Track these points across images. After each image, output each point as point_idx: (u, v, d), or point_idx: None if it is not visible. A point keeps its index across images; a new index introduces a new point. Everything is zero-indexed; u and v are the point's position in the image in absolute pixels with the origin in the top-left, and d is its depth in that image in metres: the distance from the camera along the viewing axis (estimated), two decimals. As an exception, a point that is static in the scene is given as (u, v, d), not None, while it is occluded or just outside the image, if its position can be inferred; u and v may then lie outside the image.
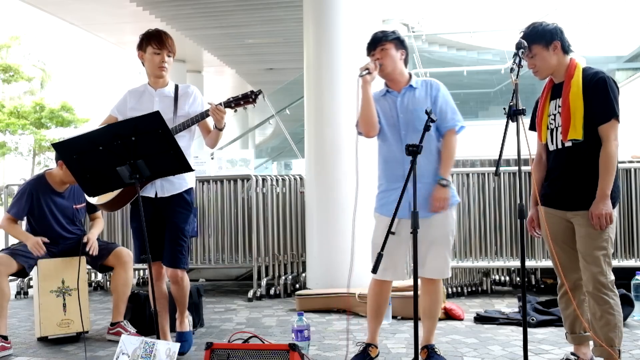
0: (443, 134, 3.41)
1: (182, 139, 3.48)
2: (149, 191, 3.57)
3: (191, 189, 3.69)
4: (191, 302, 4.00)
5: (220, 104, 3.47)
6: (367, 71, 3.28)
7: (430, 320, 3.46)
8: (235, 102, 3.49)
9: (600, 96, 2.95)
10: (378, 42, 3.39)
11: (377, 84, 3.45)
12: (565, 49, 3.08)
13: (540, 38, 3.04)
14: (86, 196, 3.80)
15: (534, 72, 3.13)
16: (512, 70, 2.88)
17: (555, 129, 3.09)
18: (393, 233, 3.12)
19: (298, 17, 6.54)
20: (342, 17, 5.38)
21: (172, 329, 3.90)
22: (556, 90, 3.11)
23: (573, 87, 2.99)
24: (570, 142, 3.01)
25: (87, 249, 4.14)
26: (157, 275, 3.65)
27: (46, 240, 4.09)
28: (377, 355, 3.49)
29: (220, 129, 3.52)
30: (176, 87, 3.71)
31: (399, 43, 3.42)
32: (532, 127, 3.25)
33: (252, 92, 3.51)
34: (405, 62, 3.47)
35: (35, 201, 4.16)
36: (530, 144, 2.81)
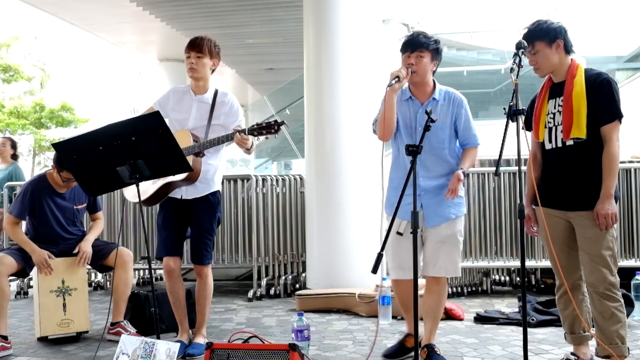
0: (464, 149, 3.47)
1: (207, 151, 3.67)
2: (175, 193, 3.74)
3: (217, 192, 3.81)
4: (191, 301, 4.01)
5: (244, 131, 3.53)
6: (397, 79, 3.23)
7: (432, 320, 3.47)
8: (258, 131, 3.56)
9: (605, 97, 2.96)
10: (417, 47, 3.34)
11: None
12: (568, 49, 3.08)
13: (544, 35, 3.04)
14: (126, 195, 3.88)
15: (534, 69, 3.13)
16: (512, 70, 2.89)
17: (554, 128, 3.08)
18: (401, 234, 3.15)
19: (298, 17, 6.54)
20: (342, 17, 5.38)
21: (176, 329, 3.96)
22: (555, 90, 3.11)
23: (576, 87, 2.99)
24: (572, 141, 3.00)
25: (78, 261, 4.14)
26: (169, 270, 3.76)
27: (52, 256, 4.09)
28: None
29: (249, 149, 3.62)
30: (215, 93, 3.80)
31: (436, 54, 3.40)
32: (527, 126, 3.24)
33: (275, 121, 3.57)
34: (434, 72, 3.46)
35: (36, 201, 4.16)
36: (529, 144, 2.82)
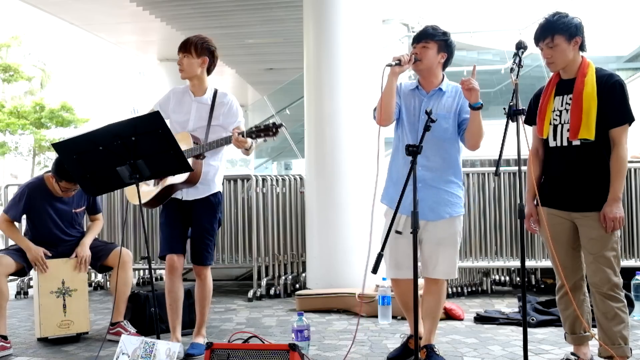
0: None
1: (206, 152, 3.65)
2: (176, 194, 3.73)
3: (217, 192, 3.79)
4: (191, 302, 4.01)
5: (242, 134, 3.52)
6: (397, 62, 3.24)
7: (431, 320, 3.47)
8: (256, 133, 3.55)
9: (617, 99, 2.94)
10: (423, 38, 3.36)
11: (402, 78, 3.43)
12: (583, 47, 3.04)
13: (565, 30, 2.98)
14: (128, 197, 3.87)
15: (547, 63, 3.05)
16: (512, 70, 2.87)
17: (560, 126, 3.05)
18: (400, 233, 3.14)
19: (298, 17, 6.54)
20: (342, 17, 5.37)
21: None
22: (563, 86, 3.07)
23: (587, 87, 2.95)
24: (579, 141, 2.98)
25: (77, 267, 4.14)
26: (170, 268, 3.74)
27: (48, 253, 4.09)
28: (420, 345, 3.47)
29: (247, 149, 3.60)
30: (215, 93, 3.78)
31: (444, 46, 3.38)
32: (529, 121, 3.20)
33: (274, 124, 3.56)
34: (444, 66, 3.44)
35: (33, 205, 4.15)
36: (529, 141, 2.80)
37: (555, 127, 3.07)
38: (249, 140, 3.53)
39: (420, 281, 3.73)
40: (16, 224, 4.29)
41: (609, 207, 2.94)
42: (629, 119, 2.96)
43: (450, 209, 3.40)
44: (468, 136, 3.32)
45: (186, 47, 3.70)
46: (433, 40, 3.35)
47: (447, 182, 3.39)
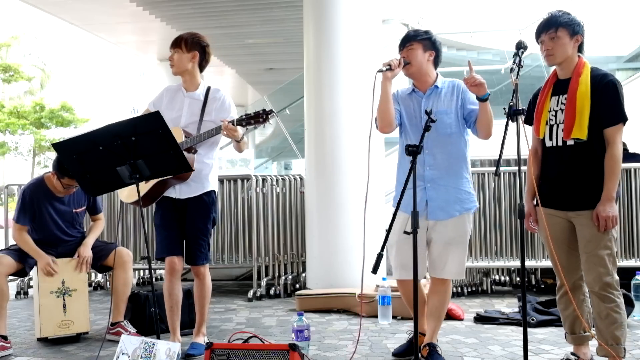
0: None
1: (199, 147, 3.62)
2: (170, 192, 3.70)
3: (211, 191, 3.76)
4: (191, 301, 4.01)
5: (232, 122, 3.49)
6: (388, 67, 3.27)
7: (435, 319, 3.48)
8: (246, 121, 3.52)
9: (610, 99, 2.95)
10: (406, 41, 3.39)
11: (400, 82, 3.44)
12: (581, 49, 3.06)
13: (570, 25, 3.01)
14: (121, 197, 3.85)
15: (546, 55, 3.05)
16: (512, 70, 2.88)
17: (556, 126, 3.07)
18: (408, 233, 3.14)
19: (298, 17, 6.54)
20: (342, 17, 5.38)
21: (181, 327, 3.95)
22: (559, 87, 3.08)
23: (581, 86, 2.96)
24: (573, 141, 2.99)
25: (79, 268, 4.14)
26: (170, 270, 3.73)
27: (55, 261, 4.08)
28: (422, 344, 3.47)
29: (239, 141, 3.57)
30: (207, 90, 3.76)
31: (429, 44, 3.41)
32: (528, 121, 3.21)
33: (263, 110, 3.55)
34: (435, 64, 3.46)
35: (35, 206, 4.15)
36: (529, 141, 2.81)
37: (551, 127, 3.09)
38: (239, 128, 3.50)
39: (424, 281, 3.74)
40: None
41: (602, 206, 2.94)
42: (622, 118, 2.97)
43: (460, 206, 3.40)
44: (480, 127, 3.33)
45: (177, 42, 3.70)
46: (416, 41, 3.38)
47: (456, 178, 3.39)
